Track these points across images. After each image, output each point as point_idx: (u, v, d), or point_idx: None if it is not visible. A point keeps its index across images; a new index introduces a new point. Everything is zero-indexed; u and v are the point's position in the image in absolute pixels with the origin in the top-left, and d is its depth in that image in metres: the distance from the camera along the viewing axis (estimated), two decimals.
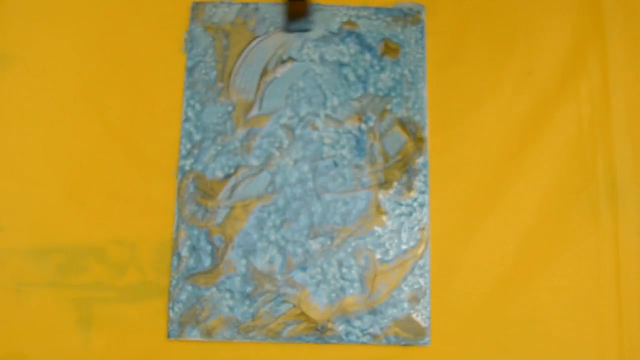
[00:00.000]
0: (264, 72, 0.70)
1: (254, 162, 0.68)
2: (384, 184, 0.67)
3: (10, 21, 0.71)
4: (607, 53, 0.70)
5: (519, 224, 0.67)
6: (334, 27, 0.70)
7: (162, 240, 0.67)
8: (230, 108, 0.69)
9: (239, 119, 0.69)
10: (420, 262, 0.66)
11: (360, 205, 0.67)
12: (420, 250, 0.66)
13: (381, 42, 0.70)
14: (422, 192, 0.67)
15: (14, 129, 0.69)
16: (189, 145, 0.68)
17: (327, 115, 0.69)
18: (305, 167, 0.68)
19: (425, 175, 0.68)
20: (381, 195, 0.67)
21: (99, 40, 0.71)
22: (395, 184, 0.68)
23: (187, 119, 0.69)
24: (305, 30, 0.69)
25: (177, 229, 0.67)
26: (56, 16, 0.71)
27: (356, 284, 0.66)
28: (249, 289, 0.66)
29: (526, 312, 0.66)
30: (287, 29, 0.69)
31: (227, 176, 0.68)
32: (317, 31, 0.71)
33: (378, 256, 0.66)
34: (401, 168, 0.68)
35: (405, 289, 0.66)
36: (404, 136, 0.68)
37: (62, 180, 0.68)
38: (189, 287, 0.66)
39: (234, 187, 0.67)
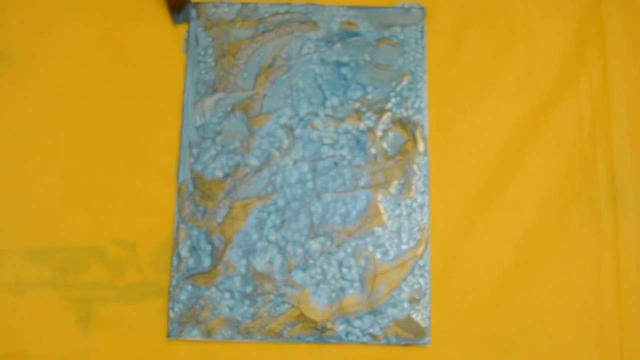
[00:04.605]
0: (264, 72, 0.70)
1: (254, 162, 0.68)
2: (384, 184, 0.67)
3: (10, 21, 0.71)
4: (607, 53, 0.70)
5: (519, 224, 0.67)
6: (334, 27, 0.71)
7: (162, 240, 0.67)
8: (229, 108, 0.69)
9: (239, 119, 0.69)
10: (420, 262, 0.66)
11: (360, 205, 0.67)
12: (420, 250, 0.66)
13: (381, 41, 0.70)
14: (422, 193, 0.67)
15: (13, 128, 0.69)
16: (188, 145, 0.68)
17: (326, 115, 0.69)
18: (305, 167, 0.68)
19: (425, 176, 0.68)
20: (381, 195, 0.67)
21: (99, 40, 0.71)
22: (395, 184, 0.68)
23: (187, 119, 0.69)
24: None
25: (177, 229, 0.67)
26: (56, 16, 0.71)
27: (356, 284, 0.66)
28: (248, 289, 0.66)
29: (526, 312, 0.66)
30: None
31: (227, 176, 0.68)
32: (317, 31, 0.71)
33: (378, 256, 0.66)
34: (401, 168, 0.68)
35: (405, 289, 0.66)
36: (403, 136, 0.69)
37: (62, 180, 0.68)
38: (189, 287, 0.66)
39: (233, 187, 0.67)
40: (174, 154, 0.69)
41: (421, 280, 0.66)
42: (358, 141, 0.68)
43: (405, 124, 0.69)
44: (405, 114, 0.69)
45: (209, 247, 0.66)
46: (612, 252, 0.67)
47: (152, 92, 0.70)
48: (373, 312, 0.65)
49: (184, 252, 0.66)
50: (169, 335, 0.65)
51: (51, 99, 0.70)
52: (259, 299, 0.66)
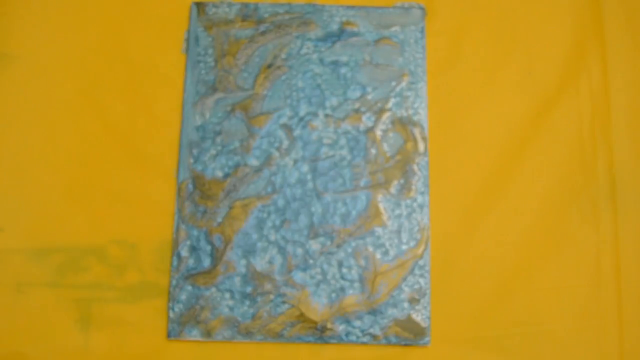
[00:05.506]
0: (264, 72, 0.70)
1: (254, 162, 0.68)
2: (384, 184, 0.67)
3: (10, 21, 0.71)
4: (607, 53, 0.70)
5: (519, 224, 0.67)
6: (334, 27, 0.71)
7: (162, 240, 0.67)
8: (229, 108, 0.69)
9: (239, 119, 0.69)
10: (420, 262, 0.66)
11: (360, 205, 0.67)
12: (420, 250, 0.66)
13: (380, 41, 0.70)
14: (422, 193, 0.67)
15: (13, 128, 0.69)
16: (188, 145, 0.68)
17: (326, 115, 0.69)
18: (305, 168, 0.68)
19: (425, 176, 0.68)
20: (381, 195, 0.67)
21: (99, 40, 0.71)
22: (394, 184, 0.68)
23: (187, 119, 0.69)
24: None
25: (177, 229, 0.67)
26: (56, 16, 0.71)
27: (356, 284, 0.66)
28: (248, 289, 0.66)
29: (526, 312, 0.66)
30: None
31: (227, 176, 0.68)
32: (316, 31, 0.71)
33: (378, 256, 0.66)
34: (401, 168, 0.68)
35: (405, 289, 0.66)
36: (403, 136, 0.68)
37: (62, 180, 0.68)
38: (189, 287, 0.66)
39: (233, 187, 0.67)
40: (174, 154, 0.69)
41: (421, 280, 0.66)
42: (358, 141, 0.68)
43: (405, 124, 0.69)
44: (405, 114, 0.69)
45: (209, 247, 0.66)
46: (612, 252, 0.67)
47: (152, 92, 0.70)
48: (373, 312, 0.65)
49: (184, 252, 0.66)
50: (169, 335, 0.65)
51: (51, 99, 0.70)
52: (259, 299, 0.66)
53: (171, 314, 0.65)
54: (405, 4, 0.71)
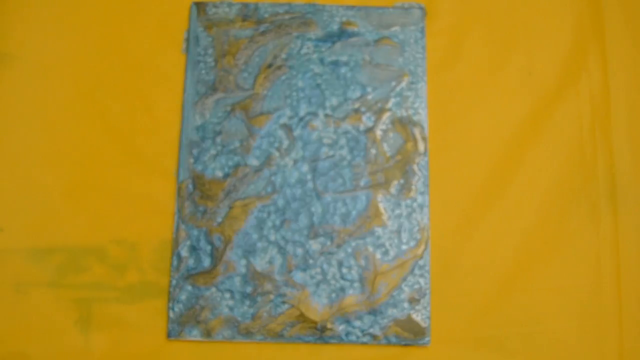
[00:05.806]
0: (264, 72, 0.70)
1: (254, 162, 0.68)
2: (384, 184, 0.67)
3: (10, 21, 0.71)
4: (607, 53, 0.70)
5: (519, 224, 0.67)
6: (334, 27, 0.71)
7: (162, 240, 0.67)
8: (229, 108, 0.69)
9: (239, 119, 0.69)
10: (420, 262, 0.66)
11: (360, 205, 0.67)
12: (420, 250, 0.66)
13: (380, 41, 0.70)
14: (422, 193, 0.67)
15: (13, 128, 0.69)
16: (188, 145, 0.68)
17: (326, 115, 0.69)
18: (305, 167, 0.68)
19: (425, 176, 0.68)
20: (381, 195, 0.67)
21: (99, 40, 0.71)
22: (394, 184, 0.68)
23: (187, 119, 0.69)
24: None
25: (177, 229, 0.67)
26: (56, 16, 0.71)
27: (356, 284, 0.66)
28: (248, 289, 0.66)
29: (526, 312, 0.66)
30: None
31: (227, 176, 0.68)
32: (316, 31, 0.71)
33: (378, 256, 0.66)
34: (401, 168, 0.68)
35: (405, 289, 0.66)
36: (403, 136, 0.68)
37: (62, 180, 0.68)
38: (189, 287, 0.66)
39: (233, 187, 0.67)
40: (174, 154, 0.69)
41: (421, 280, 0.66)
42: (358, 141, 0.68)
43: (405, 124, 0.69)
44: (405, 114, 0.69)
45: (209, 247, 0.66)
46: (612, 252, 0.67)
47: (152, 92, 0.70)
48: (373, 312, 0.65)
49: (184, 252, 0.66)
50: (169, 335, 0.65)
51: (51, 99, 0.70)
52: (259, 299, 0.66)
53: (171, 314, 0.65)
54: (405, 4, 0.71)
